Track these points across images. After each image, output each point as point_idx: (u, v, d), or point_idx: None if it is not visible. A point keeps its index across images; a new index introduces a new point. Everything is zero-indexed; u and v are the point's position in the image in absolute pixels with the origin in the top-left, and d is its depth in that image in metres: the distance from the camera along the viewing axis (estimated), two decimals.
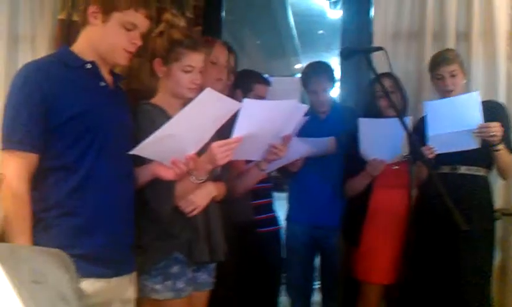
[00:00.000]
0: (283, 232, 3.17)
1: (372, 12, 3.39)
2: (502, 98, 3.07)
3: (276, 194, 3.15)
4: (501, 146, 2.59)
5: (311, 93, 3.09)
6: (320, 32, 7.13)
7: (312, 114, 2.92)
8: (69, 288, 1.46)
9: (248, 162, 2.53)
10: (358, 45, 3.29)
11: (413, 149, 2.38)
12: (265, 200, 3.00)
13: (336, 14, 6.81)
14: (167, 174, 1.91)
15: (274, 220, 3.06)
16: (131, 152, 1.81)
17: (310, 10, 7.49)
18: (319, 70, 3.11)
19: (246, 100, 1.96)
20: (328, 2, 6.99)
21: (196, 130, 1.90)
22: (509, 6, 3.17)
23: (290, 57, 8.80)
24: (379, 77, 2.46)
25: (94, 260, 1.77)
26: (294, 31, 8.20)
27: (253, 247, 2.82)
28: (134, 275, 1.99)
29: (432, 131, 2.56)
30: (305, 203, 3.13)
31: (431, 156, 2.54)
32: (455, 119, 2.55)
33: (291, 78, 3.97)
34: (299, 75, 3.36)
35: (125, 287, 1.93)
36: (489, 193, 2.80)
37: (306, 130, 2.78)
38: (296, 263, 3.15)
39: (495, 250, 2.89)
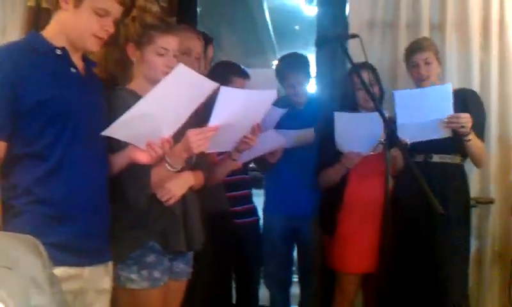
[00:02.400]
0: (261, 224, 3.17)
1: (348, 3, 3.39)
2: (475, 88, 3.09)
3: (254, 191, 3.14)
4: (471, 136, 2.61)
5: (287, 86, 3.08)
6: (297, 27, 7.15)
7: (288, 105, 2.93)
8: (42, 273, 1.42)
9: (220, 153, 2.51)
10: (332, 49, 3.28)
11: (389, 136, 2.38)
12: (243, 191, 3.00)
13: (312, 10, 6.84)
14: (142, 157, 1.88)
15: (252, 212, 3.05)
16: (103, 133, 1.76)
17: (286, 6, 7.51)
18: (295, 62, 3.10)
19: (223, 88, 1.93)
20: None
21: (171, 109, 1.85)
22: None
23: (267, 54, 8.81)
24: (357, 68, 2.46)
25: (66, 249, 1.73)
26: (271, 27, 8.22)
27: (231, 238, 2.81)
28: (109, 265, 1.95)
29: (400, 120, 2.55)
30: (281, 193, 3.12)
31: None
32: (425, 110, 2.55)
33: (268, 70, 3.96)
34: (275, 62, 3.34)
35: (99, 277, 1.89)
36: (464, 181, 2.82)
37: (283, 122, 2.78)
38: (274, 255, 3.15)
39: (471, 237, 2.91)
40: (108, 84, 2.14)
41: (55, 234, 1.72)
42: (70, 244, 1.75)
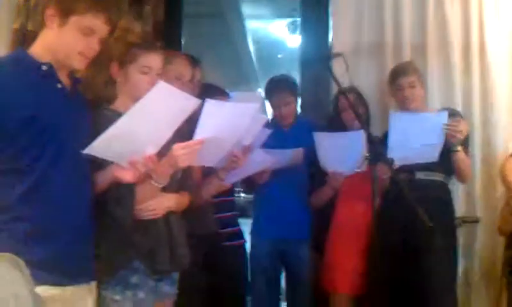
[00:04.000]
0: (248, 247, 3.13)
1: (331, 29, 3.44)
2: (458, 109, 3.12)
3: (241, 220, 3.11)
4: (460, 148, 2.63)
5: (274, 107, 3.09)
6: (280, 56, 7.25)
7: (275, 126, 2.93)
8: (24, 291, 1.39)
9: (206, 174, 2.49)
10: (317, 71, 3.32)
11: (374, 152, 2.39)
12: (229, 213, 2.96)
13: (295, 40, 6.93)
14: (126, 176, 1.85)
15: (238, 234, 3.01)
16: (84, 151, 1.73)
17: (269, 36, 7.61)
18: (281, 84, 3.12)
19: (208, 101, 1.92)
20: (287, 28, 7.12)
21: (153, 127, 1.83)
22: (461, 19, 3.27)
23: (250, 84, 8.88)
24: (343, 89, 2.48)
25: (46, 267, 1.68)
26: (254, 58, 8.31)
27: (217, 261, 2.76)
28: (93, 285, 1.90)
29: (392, 141, 2.56)
30: (270, 216, 3.09)
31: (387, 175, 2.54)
32: (418, 134, 2.57)
33: (253, 93, 3.99)
34: (260, 90, 3.37)
35: (82, 297, 1.84)
36: (449, 198, 2.84)
37: (270, 143, 2.77)
38: (262, 279, 3.09)
39: (458, 257, 2.90)
40: (94, 104, 2.12)
41: (36, 252, 1.67)
42: (51, 262, 1.70)
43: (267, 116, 2.54)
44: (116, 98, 2.14)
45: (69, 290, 1.76)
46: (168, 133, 1.90)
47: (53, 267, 1.70)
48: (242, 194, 6.44)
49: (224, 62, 7.49)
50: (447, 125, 2.56)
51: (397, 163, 2.50)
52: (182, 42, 3.85)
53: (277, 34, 7.44)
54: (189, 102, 1.88)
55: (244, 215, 3.44)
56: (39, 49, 1.84)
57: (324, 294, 2.88)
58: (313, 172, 2.91)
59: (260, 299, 3.14)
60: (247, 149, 2.31)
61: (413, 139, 2.55)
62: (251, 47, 8.04)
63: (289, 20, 6.72)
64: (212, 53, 6.90)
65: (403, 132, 2.55)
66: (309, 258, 3.00)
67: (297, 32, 6.14)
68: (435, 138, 2.57)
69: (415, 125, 2.58)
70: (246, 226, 3.21)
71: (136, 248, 2.00)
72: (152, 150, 1.86)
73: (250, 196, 3.98)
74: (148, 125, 1.81)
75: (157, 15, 3.42)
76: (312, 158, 2.86)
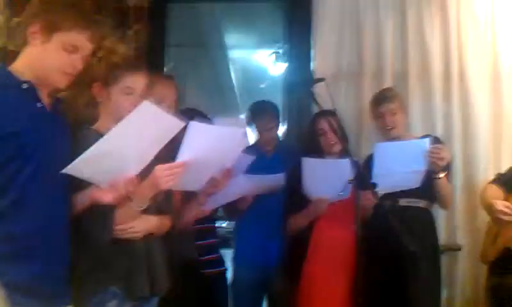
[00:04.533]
0: (229, 274, 3.07)
1: (313, 58, 3.47)
2: (439, 136, 3.15)
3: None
4: (443, 175, 2.63)
5: (257, 132, 3.08)
6: (262, 86, 7.29)
7: (257, 151, 2.91)
8: None
9: (186, 200, 2.45)
10: (300, 96, 3.35)
11: (358, 178, 2.38)
12: (209, 241, 2.91)
13: (277, 69, 6.97)
14: (105, 197, 1.81)
15: (219, 262, 2.96)
16: (64, 171, 1.69)
17: (251, 66, 7.64)
18: (263, 109, 3.12)
19: (192, 123, 1.90)
20: (272, 59, 7.16)
21: (135, 148, 1.80)
22: (441, 46, 3.32)
23: (232, 113, 8.88)
24: (323, 112, 2.48)
25: (21, 290, 1.62)
26: (236, 87, 8.32)
27: (197, 288, 2.70)
28: None
29: (377, 171, 2.54)
30: (250, 243, 3.06)
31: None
32: (401, 162, 2.57)
33: (235, 118, 3.98)
34: (242, 116, 3.37)
35: None
36: (432, 224, 2.83)
37: (251, 168, 2.74)
38: (243, 306, 3.04)
39: (442, 283, 2.88)
40: (75, 125, 2.08)
41: (10, 273, 1.61)
42: (26, 285, 1.65)
43: (248, 142, 2.51)
44: (97, 119, 2.11)
45: None
46: (150, 155, 1.87)
47: (27, 289, 1.65)
48: (224, 224, 6.37)
49: (207, 91, 7.50)
50: (430, 151, 2.57)
51: (381, 191, 2.50)
52: (165, 69, 3.84)
53: (260, 63, 7.48)
54: (173, 124, 1.85)
55: (225, 245, 3.38)
56: (20, 66, 1.81)
57: None
58: (290, 197, 2.84)
59: None
60: (227, 173, 2.29)
61: (396, 166, 2.55)
62: (234, 76, 8.05)
63: (272, 50, 6.78)
64: (194, 81, 6.91)
65: (387, 161, 2.55)
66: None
67: (280, 61, 6.17)
68: (418, 165, 2.58)
69: (399, 153, 2.59)
70: (227, 256, 3.16)
71: (113, 271, 1.94)
72: (133, 172, 1.82)
73: (231, 226, 3.93)
74: (130, 145, 1.78)
75: (139, 41, 3.41)
76: (291, 183, 2.82)
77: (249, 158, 2.74)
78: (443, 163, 2.60)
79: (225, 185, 2.28)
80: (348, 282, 2.65)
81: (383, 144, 2.70)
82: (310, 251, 2.73)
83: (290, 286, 2.81)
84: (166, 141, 1.89)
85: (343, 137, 2.86)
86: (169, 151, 2.03)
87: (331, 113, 2.74)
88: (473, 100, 3.28)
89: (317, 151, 2.81)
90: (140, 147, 1.82)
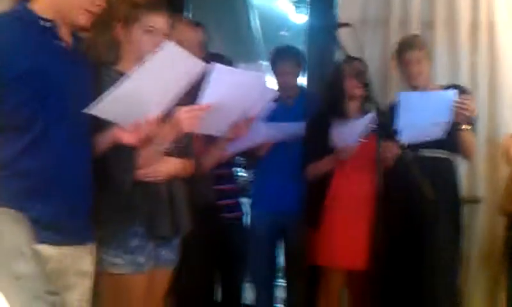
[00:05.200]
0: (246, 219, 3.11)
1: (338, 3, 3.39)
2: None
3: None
4: (467, 126, 2.60)
5: (278, 76, 3.05)
6: (284, 33, 7.18)
7: (278, 100, 2.89)
8: (25, 245, 1.37)
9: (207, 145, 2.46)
10: (323, 43, 3.27)
11: (382, 126, 2.36)
12: (228, 186, 2.94)
13: (300, 18, 6.85)
14: (129, 138, 1.81)
15: (236, 207, 2.99)
16: (86, 110, 1.69)
17: (274, 12, 7.52)
18: (287, 54, 3.08)
19: (217, 66, 1.87)
20: (294, 6, 7.03)
21: (158, 88, 1.79)
22: None
23: (253, 60, 8.77)
24: (348, 58, 2.43)
25: (43, 225, 1.64)
26: (259, 35, 8.21)
27: (216, 231, 2.75)
28: (92, 247, 1.87)
29: (402, 121, 2.50)
30: (269, 189, 3.09)
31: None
32: (427, 113, 2.52)
33: (255, 64, 3.94)
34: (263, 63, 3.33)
35: (81, 258, 1.80)
36: (454, 175, 2.81)
37: (273, 116, 2.73)
38: (259, 252, 3.10)
39: (463, 233, 2.88)
40: (97, 66, 2.07)
41: (34, 209, 1.64)
42: (48, 220, 1.67)
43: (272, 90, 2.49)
44: (119, 60, 2.09)
45: (66, 251, 1.73)
46: (172, 96, 1.86)
47: (49, 225, 1.67)
48: (242, 173, 6.40)
49: (228, 37, 7.41)
50: (458, 103, 2.51)
51: (405, 142, 2.48)
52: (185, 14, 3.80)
53: (282, 10, 7.35)
54: (195, 65, 1.83)
55: (243, 194, 3.41)
56: (42, 4, 1.78)
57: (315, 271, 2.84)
58: (310, 145, 2.83)
59: (257, 271, 3.14)
60: (250, 120, 2.28)
61: (421, 117, 2.50)
62: (254, 24, 7.94)
63: None
64: (216, 26, 6.83)
65: (412, 111, 2.50)
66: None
67: (302, 8, 6.06)
68: (443, 116, 2.53)
69: (424, 103, 2.54)
70: (245, 205, 3.20)
71: (136, 212, 1.97)
72: (155, 113, 1.82)
73: (249, 176, 3.97)
74: (153, 86, 1.77)
75: None
76: (312, 131, 2.80)
77: (270, 106, 2.73)
78: (469, 114, 2.55)
79: (246, 132, 2.28)
80: (367, 230, 2.68)
81: (408, 93, 2.64)
82: (330, 199, 2.75)
83: (309, 233, 2.86)
84: (189, 82, 1.87)
85: (367, 84, 2.81)
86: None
87: (355, 59, 2.69)
88: (501, 51, 3.19)
89: (341, 97, 2.77)
90: (163, 87, 1.81)
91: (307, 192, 2.87)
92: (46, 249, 1.64)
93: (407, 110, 2.49)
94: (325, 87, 2.97)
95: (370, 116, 2.53)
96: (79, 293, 1.79)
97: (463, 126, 2.60)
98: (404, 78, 2.85)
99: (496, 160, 3.15)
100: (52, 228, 1.67)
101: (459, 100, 2.52)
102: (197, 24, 2.63)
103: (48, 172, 1.70)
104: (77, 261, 1.79)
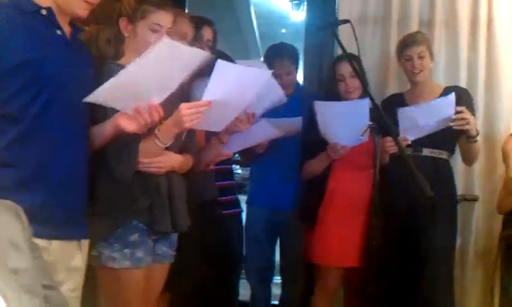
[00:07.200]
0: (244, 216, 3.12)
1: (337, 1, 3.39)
2: (462, 85, 3.11)
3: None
4: (477, 138, 2.66)
5: (274, 76, 3.04)
6: (283, 31, 7.18)
7: None
8: (21, 238, 1.36)
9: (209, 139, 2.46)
10: (322, 40, 3.30)
11: (378, 122, 2.36)
12: (227, 182, 2.94)
13: (299, 15, 6.86)
14: (130, 125, 1.80)
15: (235, 203, 3.00)
16: (86, 99, 1.69)
17: (272, 11, 7.54)
18: (282, 51, 3.07)
19: (220, 62, 1.86)
20: (291, 3, 7.03)
21: (158, 79, 1.79)
22: None
23: (251, 57, 8.79)
24: (344, 56, 2.44)
25: (32, 217, 1.52)
26: (257, 33, 8.23)
27: (214, 227, 2.75)
28: (85, 242, 1.85)
29: (402, 130, 2.56)
30: (266, 186, 3.09)
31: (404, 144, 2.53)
32: (427, 121, 2.56)
33: (256, 61, 3.93)
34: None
35: (70, 253, 1.77)
36: (452, 176, 2.83)
37: (269, 112, 2.73)
38: (256, 248, 3.10)
39: (457, 233, 2.90)
40: (98, 61, 2.07)
41: (22, 201, 1.53)
42: (36, 212, 1.59)
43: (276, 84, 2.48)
44: (122, 55, 2.09)
45: (55, 244, 1.70)
46: (173, 86, 1.86)
47: (37, 217, 1.58)
48: (239, 170, 6.40)
49: (227, 34, 7.43)
50: (457, 122, 2.55)
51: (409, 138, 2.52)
52: (186, 11, 3.80)
53: (281, 9, 7.37)
54: (195, 54, 1.84)
55: (240, 191, 3.42)
56: None
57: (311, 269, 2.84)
58: (306, 142, 2.84)
59: (254, 267, 3.14)
60: (252, 116, 2.28)
61: (422, 124, 2.55)
62: (254, 21, 7.96)
63: None
64: (216, 25, 6.84)
65: (411, 123, 2.55)
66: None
67: (301, 8, 6.06)
68: (442, 121, 2.56)
69: (424, 114, 2.57)
70: (242, 201, 3.19)
71: (135, 206, 1.97)
72: (157, 100, 1.82)
73: (246, 173, 3.97)
74: (152, 76, 1.77)
75: None
76: (308, 128, 2.81)
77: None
78: (469, 127, 2.58)
79: (248, 126, 2.28)
80: (363, 227, 2.68)
81: (405, 109, 2.64)
82: (327, 196, 2.75)
83: (305, 230, 2.87)
84: (189, 72, 1.88)
85: (363, 83, 2.82)
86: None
87: (352, 57, 2.69)
88: (499, 49, 3.20)
89: (336, 97, 2.78)
90: (163, 78, 1.81)
91: (304, 189, 2.88)
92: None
93: (407, 122, 2.54)
94: (321, 88, 2.98)
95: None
96: (68, 288, 1.75)
97: (475, 139, 2.65)
98: (406, 74, 2.87)
99: (494, 159, 3.15)
100: (36, 219, 1.56)
101: (457, 117, 2.55)
102: (205, 22, 2.63)
103: (37, 163, 1.68)
104: (66, 256, 1.75)
